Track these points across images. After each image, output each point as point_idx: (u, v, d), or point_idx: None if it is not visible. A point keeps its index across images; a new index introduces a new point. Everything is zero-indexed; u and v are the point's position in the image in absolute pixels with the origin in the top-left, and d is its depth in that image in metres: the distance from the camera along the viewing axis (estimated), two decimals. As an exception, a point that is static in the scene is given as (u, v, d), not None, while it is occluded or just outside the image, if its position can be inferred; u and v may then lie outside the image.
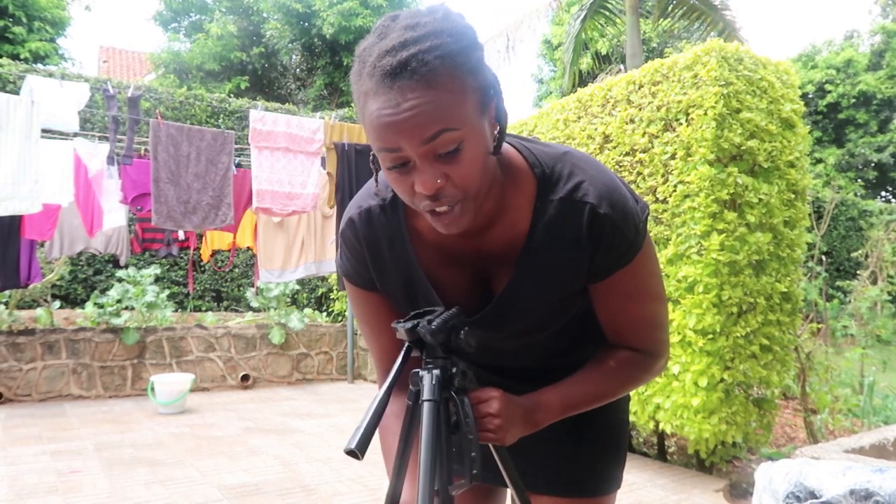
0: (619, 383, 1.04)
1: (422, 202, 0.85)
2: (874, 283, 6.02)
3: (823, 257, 5.59)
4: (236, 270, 8.58)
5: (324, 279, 8.29)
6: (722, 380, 3.28)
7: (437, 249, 0.99)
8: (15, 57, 11.37)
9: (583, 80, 12.60)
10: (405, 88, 0.77)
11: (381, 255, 1.02)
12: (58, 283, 7.13)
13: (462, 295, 1.02)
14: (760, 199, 3.43)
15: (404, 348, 0.92)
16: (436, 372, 0.88)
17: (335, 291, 8.04)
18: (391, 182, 0.86)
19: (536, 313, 1.01)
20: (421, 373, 0.89)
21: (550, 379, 1.06)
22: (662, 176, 3.57)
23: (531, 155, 0.96)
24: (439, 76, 0.77)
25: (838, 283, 7.73)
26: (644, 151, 3.68)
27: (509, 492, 1.32)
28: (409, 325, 0.89)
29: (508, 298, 1.00)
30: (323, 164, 5.28)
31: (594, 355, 1.07)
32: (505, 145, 0.96)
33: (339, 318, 7.72)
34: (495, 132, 0.88)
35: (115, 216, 5.38)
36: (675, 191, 3.46)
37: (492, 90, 0.86)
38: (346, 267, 1.07)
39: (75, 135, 5.17)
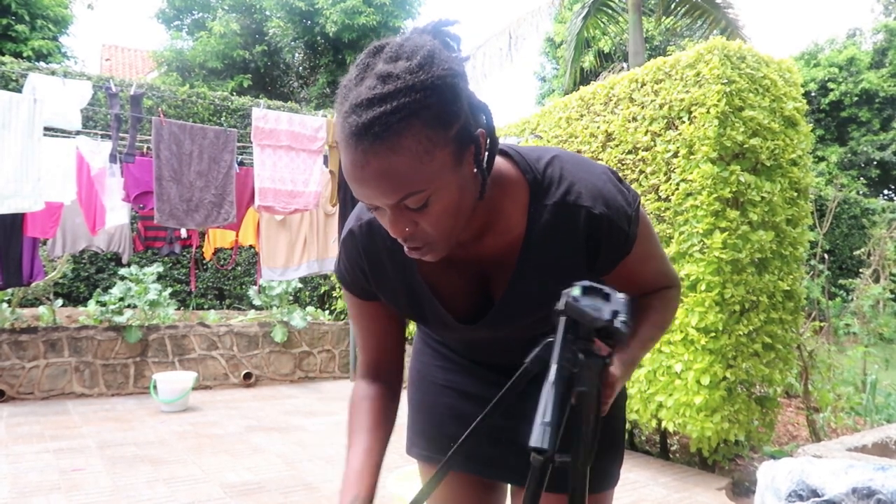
0: (671, 313, 1.09)
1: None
2: (877, 281, 6.00)
3: (826, 255, 5.59)
4: (239, 268, 8.59)
5: (326, 277, 8.29)
6: (724, 378, 3.28)
7: None
8: (18, 55, 11.38)
9: (585, 78, 12.59)
10: (368, 152, 0.76)
11: (382, 266, 1.05)
12: (60, 281, 7.13)
13: (463, 299, 1.05)
14: (763, 198, 3.42)
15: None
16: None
17: (338, 289, 8.04)
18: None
19: (535, 313, 1.03)
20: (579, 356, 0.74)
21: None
22: (665, 174, 3.56)
23: (522, 160, 0.97)
24: (403, 139, 0.75)
25: (841, 281, 7.71)
26: (646, 150, 3.68)
27: (509, 488, 1.33)
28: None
29: (508, 302, 1.02)
30: (325, 162, 5.29)
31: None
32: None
33: (342, 316, 7.72)
34: (474, 170, 0.87)
35: (117, 214, 5.38)
36: (677, 189, 3.46)
37: (469, 136, 0.83)
38: (344, 275, 1.10)
39: (78, 133, 5.17)
